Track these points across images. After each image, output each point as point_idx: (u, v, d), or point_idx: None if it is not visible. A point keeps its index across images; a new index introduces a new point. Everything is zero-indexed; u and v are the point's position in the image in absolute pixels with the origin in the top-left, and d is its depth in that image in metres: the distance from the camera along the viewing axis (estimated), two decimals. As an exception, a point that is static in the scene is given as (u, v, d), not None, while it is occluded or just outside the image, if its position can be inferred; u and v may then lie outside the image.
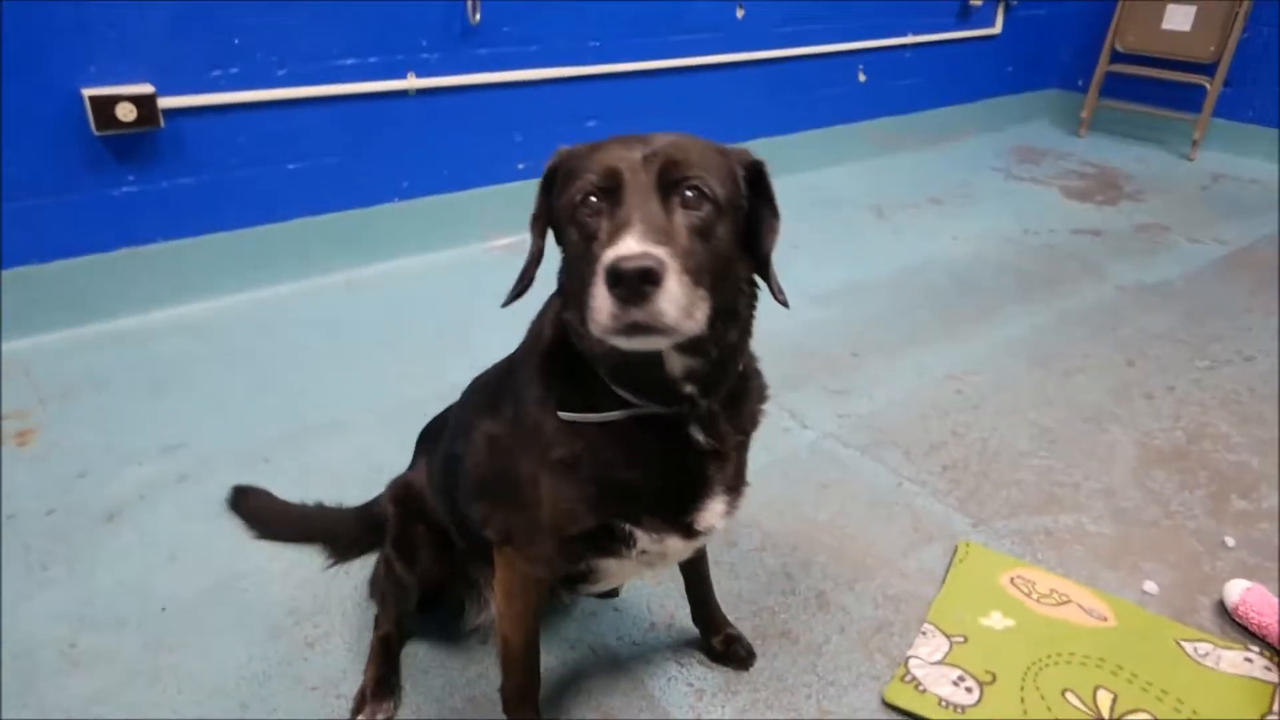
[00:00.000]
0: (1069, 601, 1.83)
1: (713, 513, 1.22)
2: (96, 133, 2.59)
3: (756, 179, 1.13)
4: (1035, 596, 1.85)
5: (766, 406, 1.33)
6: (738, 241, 1.09)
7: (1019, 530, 2.07)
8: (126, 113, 2.59)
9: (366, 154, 3.20)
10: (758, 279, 1.18)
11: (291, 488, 2.07)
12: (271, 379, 2.58)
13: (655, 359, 1.08)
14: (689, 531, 1.22)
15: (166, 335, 2.80)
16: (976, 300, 3.27)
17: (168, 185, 2.82)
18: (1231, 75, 4.96)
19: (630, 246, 0.90)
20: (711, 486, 1.22)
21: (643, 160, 1.00)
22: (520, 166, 3.51)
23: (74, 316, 2.75)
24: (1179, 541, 2.05)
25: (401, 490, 1.62)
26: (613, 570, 1.36)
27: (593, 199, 1.01)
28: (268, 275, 3.08)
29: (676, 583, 1.70)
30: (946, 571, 1.92)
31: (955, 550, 1.98)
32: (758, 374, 1.32)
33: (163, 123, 2.69)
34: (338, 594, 1.81)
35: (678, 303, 0.90)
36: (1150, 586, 1.90)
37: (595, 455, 1.16)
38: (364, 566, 1.85)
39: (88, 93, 2.54)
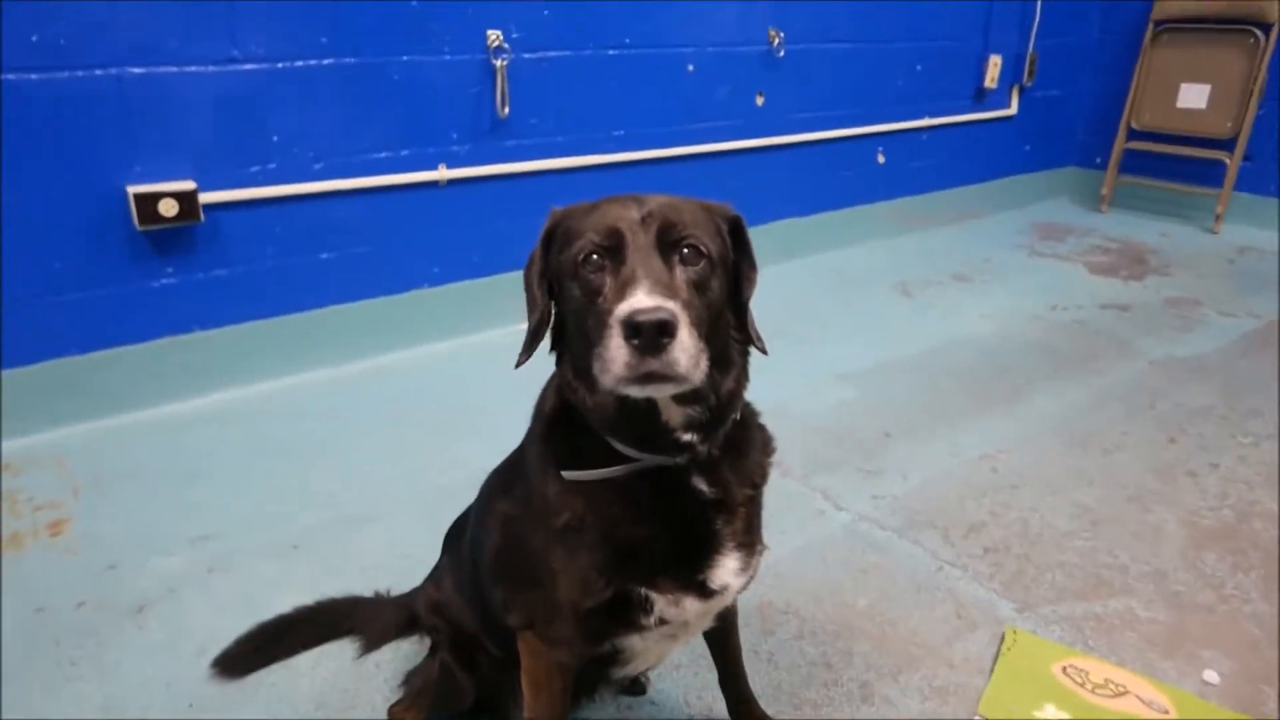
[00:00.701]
0: (1126, 693, 1.75)
1: (726, 570, 1.20)
2: (139, 227, 2.68)
3: (736, 233, 1.18)
4: (1090, 687, 1.77)
5: (774, 460, 1.32)
6: (725, 293, 1.14)
7: (1067, 616, 2.00)
8: (169, 208, 2.68)
9: (398, 242, 3.27)
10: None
11: (322, 576, 2.05)
12: (302, 467, 2.58)
13: (652, 410, 1.10)
14: (704, 591, 1.20)
15: (200, 424, 2.82)
16: (1008, 378, 3.24)
17: (205, 276, 2.89)
18: (1251, 150, 5.00)
19: (644, 300, 0.94)
20: (721, 542, 1.20)
21: (641, 220, 1.06)
22: (547, 252, 3.57)
23: (110, 406, 2.79)
24: (1237, 627, 1.96)
25: (434, 606, 1.61)
26: (638, 648, 1.32)
27: (595, 256, 1.05)
28: (300, 363, 3.13)
29: (714, 673, 1.65)
30: (994, 661, 1.85)
31: (1002, 638, 1.91)
32: (761, 426, 1.31)
33: (203, 217, 2.77)
34: (367, 689, 1.77)
35: (689, 353, 0.95)
36: (1210, 676, 1.82)
37: (599, 514, 1.16)
38: (395, 658, 1.81)
39: (132, 190, 2.64)
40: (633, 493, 1.16)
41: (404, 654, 1.81)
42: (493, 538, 1.37)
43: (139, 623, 1.95)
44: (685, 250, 1.06)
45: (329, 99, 2.95)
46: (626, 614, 1.20)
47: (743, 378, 1.19)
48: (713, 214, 1.15)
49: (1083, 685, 1.77)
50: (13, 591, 2.03)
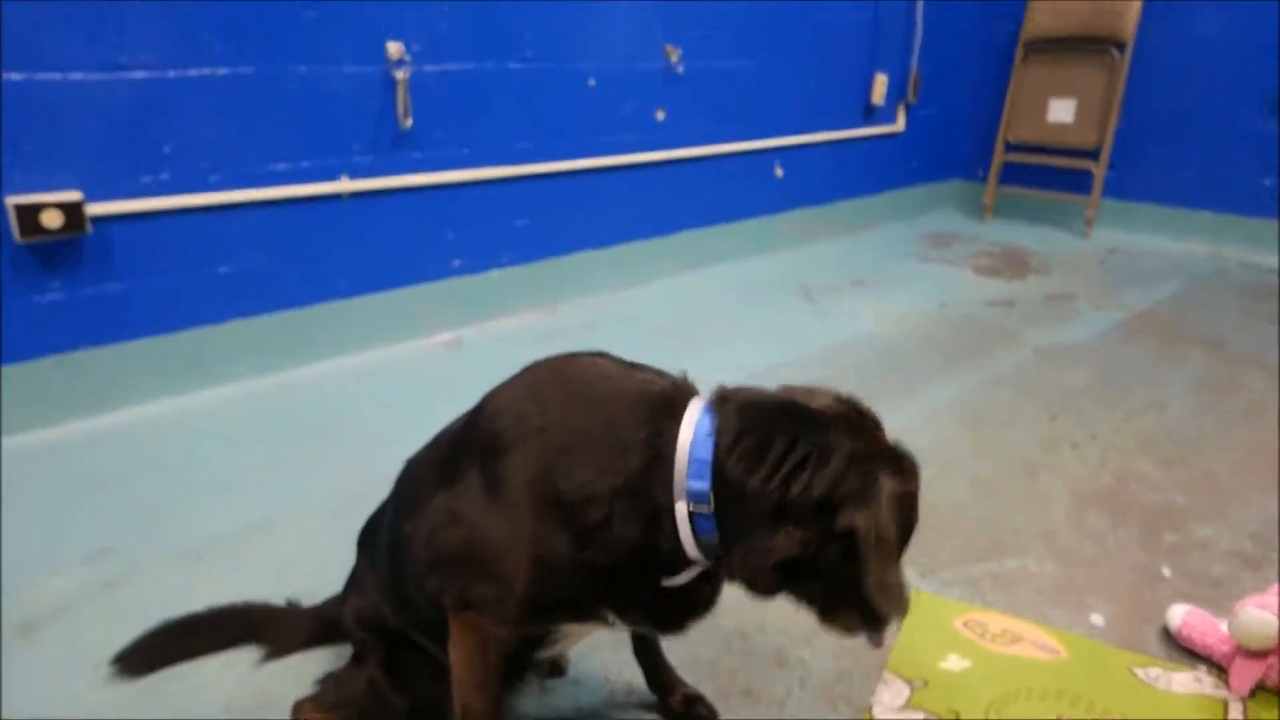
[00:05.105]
0: (1021, 639, 1.85)
1: (697, 615, 1.27)
2: (19, 240, 2.56)
3: None
4: (988, 637, 1.86)
5: None
6: None
7: (967, 577, 2.10)
8: (52, 220, 2.57)
9: (300, 255, 3.22)
10: None
11: (227, 585, 1.98)
12: (204, 482, 2.49)
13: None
14: (671, 627, 1.26)
15: (91, 445, 2.69)
16: (905, 369, 3.39)
17: (95, 291, 2.78)
18: (1114, 159, 5.39)
19: None
20: (706, 600, 1.27)
21: None
22: (455, 264, 3.57)
23: (-9, 429, 2.65)
24: (1119, 576, 2.10)
25: (362, 618, 1.56)
26: (573, 633, 1.35)
27: None
28: (201, 379, 3.03)
29: (629, 648, 1.67)
30: (900, 621, 1.93)
31: (907, 599, 1.99)
32: None
33: (90, 229, 2.67)
34: (277, 690, 1.72)
35: None
36: (1097, 619, 1.94)
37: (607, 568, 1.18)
38: (304, 660, 1.76)
39: (11, 201, 2.53)
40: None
41: (315, 656, 1.77)
42: (432, 533, 1.28)
43: (27, 642, 1.84)
44: None
45: (225, 109, 2.90)
46: (581, 614, 1.23)
47: None
48: None
49: (982, 636, 1.87)
50: (-116, 619, 1.90)
